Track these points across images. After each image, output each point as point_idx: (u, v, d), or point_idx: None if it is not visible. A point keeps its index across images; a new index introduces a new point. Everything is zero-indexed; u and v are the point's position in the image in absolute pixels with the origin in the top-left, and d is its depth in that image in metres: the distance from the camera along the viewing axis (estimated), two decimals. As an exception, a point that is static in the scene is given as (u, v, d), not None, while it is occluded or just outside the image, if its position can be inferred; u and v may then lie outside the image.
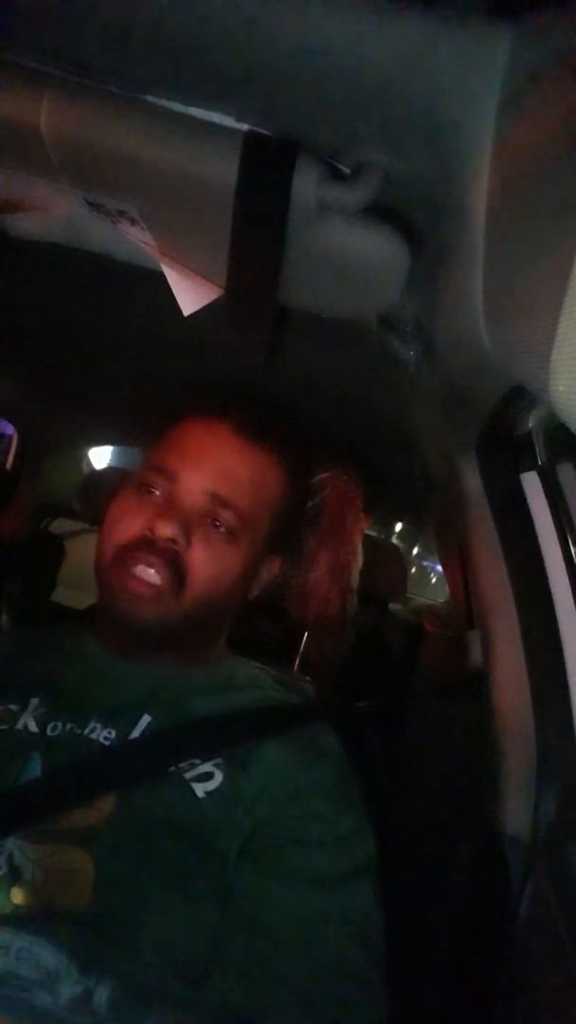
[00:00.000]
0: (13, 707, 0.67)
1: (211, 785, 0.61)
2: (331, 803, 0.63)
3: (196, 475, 0.69)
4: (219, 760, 0.63)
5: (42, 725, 0.65)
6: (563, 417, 0.37)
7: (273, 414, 0.73)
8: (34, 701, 0.68)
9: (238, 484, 0.69)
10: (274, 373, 0.66)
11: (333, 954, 0.56)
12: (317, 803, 0.62)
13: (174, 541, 0.66)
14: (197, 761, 0.63)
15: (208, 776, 0.62)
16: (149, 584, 0.65)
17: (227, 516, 0.68)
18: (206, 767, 0.62)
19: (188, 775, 0.62)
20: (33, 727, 0.65)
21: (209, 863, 0.58)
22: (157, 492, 0.69)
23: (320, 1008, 0.54)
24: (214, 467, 0.70)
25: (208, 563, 0.67)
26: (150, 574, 0.65)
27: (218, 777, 0.62)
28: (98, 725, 0.65)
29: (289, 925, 0.56)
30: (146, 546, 0.66)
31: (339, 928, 0.57)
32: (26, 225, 0.63)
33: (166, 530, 0.65)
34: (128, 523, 0.68)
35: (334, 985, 0.55)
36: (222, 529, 0.68)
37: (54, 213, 0.60)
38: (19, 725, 0.66)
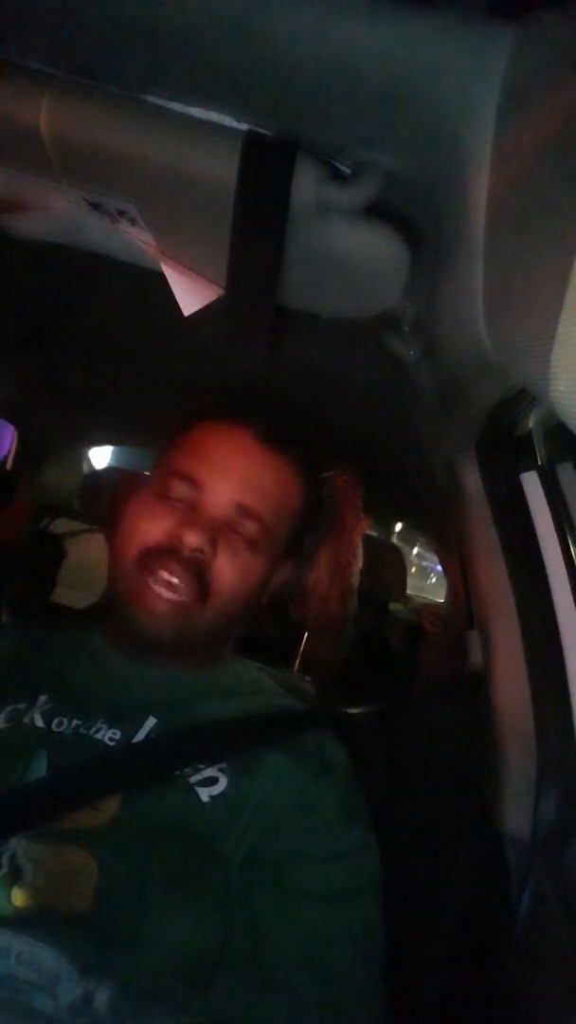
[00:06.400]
0: (20, 705, 0.67)
1: (216, 790, 0.61)
2: (338, 817, 0.63)
3: (223, 485, 0.68)
4: (223, 765, 0.63)
5: (48, 721, 0.65)
6: (563, 417, 0.37)
7: (292, 421, 0.73)
8: (42, 697, 0.68)
9: (263, 495, 0.69)
10: (274, 373, 0.66)
11: (335, 969, 0.56)
12: (324, 817, 0.62)
13: (201, 551, 0.65)
14: (201, 765, 0.62)
15: (213, 780, 0.61)
16: (172, 593, 0.64)
17: (251, 527, 0.68)
18: (211, 771, 0.62)
19: (193, 779, 0.61)
20: (39, 722, 0.65)
21: (212, 868, 0.58)
22: (180, 498, 0.68)
23: (319, 1022, 0.54)
24: (240, 477, 0.69)
25: (232, 574, 0.66)
26: (174, 583, 0.64)
27: (223, 782, 0.61)
28: (104, 725, 0.65)
29: (292, 938, 0.56)
30: (172, 554, 0.65)
31: (342, 944, 0.57)
32: (26, 225, 0.63)
33: (194, 539, 0.64)
34: (152, 527, 0.66)
35: (334, 1000, 0.55)
36: (244, 539, 0.67)
37: (54, 213, 0.60)
38: (26, 720, 0.66)
